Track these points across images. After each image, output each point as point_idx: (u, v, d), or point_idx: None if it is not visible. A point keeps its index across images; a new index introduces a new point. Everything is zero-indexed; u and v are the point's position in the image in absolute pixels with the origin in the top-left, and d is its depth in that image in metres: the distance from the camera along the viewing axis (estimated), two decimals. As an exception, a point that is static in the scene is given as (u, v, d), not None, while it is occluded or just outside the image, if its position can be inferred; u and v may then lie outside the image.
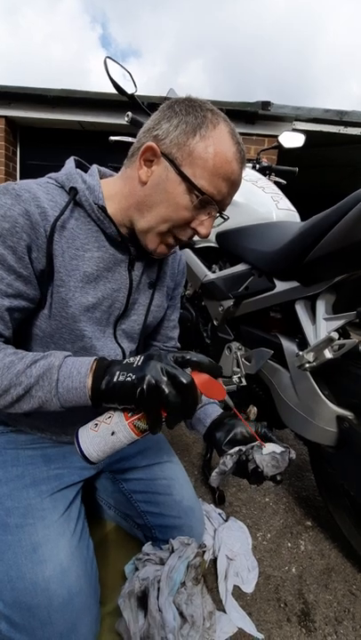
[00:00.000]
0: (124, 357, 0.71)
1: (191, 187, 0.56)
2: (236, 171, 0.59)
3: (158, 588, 0.70)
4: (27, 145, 3.75)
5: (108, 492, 0.86)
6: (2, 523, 0.61)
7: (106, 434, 0.51)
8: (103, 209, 0.61)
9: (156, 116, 0.60)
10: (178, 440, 1.41)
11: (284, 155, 2.98)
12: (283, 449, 0.60)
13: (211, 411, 0.73)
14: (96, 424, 0.53)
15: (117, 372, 0.50)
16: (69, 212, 0.60)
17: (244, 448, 0.60)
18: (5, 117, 3.47)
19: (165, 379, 0.48)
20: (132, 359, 0.52)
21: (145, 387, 0.47)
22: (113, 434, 0.51)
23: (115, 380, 0.49)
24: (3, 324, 0.56)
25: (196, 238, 1.41)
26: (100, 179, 0.66)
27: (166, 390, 0.47)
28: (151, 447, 0.84)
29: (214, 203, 0.59)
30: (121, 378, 0.49)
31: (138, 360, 0.51)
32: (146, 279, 0.72)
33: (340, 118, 3.17)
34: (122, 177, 0.64)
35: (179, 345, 0.93)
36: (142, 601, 0.69)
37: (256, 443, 0.61)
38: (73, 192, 0.60)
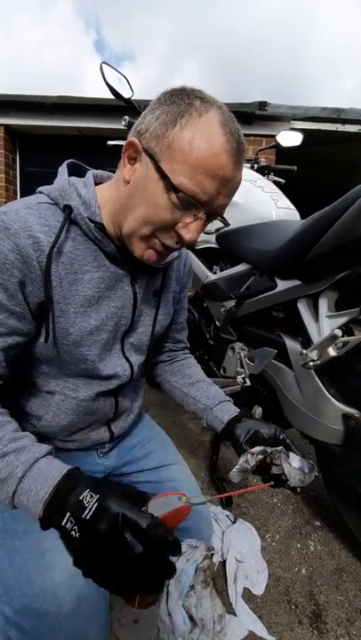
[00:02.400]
0: (132, 371, 0.69)
1: (169, 184, 0.49)
2: (227, 165, 0.49)
3: (167, 592, 0.69)
4: (26, 152, 3.77)
5: None
6: (10, 529, 0.60)
7: (135, 628, 0.61)
8: (100, 226, 0.57)
9: (145, 111, 0.56)
10: (184, 443, 1.41)
11: (283, 154, 2.98)
12: (310, 465, 0.60)
13: (228, 408, 0.73)
14: (121, 624, 0.63)
15: (67, 516, 0.43)
16: (65, 234, 0.56)
17: (269, 450, 0.60)
18: (4, 126, 3.49)
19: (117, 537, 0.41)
20: (87, 499, 0.44)
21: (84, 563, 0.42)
22: (136, 622, 0.60)
23: (62, 523, 0.44)
24: None
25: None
26: (98, 184, 0.63)
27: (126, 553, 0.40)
28: (157, 450, 0.84)
29: (197, 203, 0.51)
30: (68, 525, 0.43)
31: (89, 508, 0.42)
32: (150, 288, 0.70)
33: (338, 116, 3.17)
34: (114, 180, 0.61)
35: (188, 345, 0.91)
36: (152, 606, 0.69)
37: (280, 447, 0.60)
38: (67, 211, 0.56)
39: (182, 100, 0.50)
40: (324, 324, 0.80)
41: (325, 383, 0.83)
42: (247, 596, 0.81)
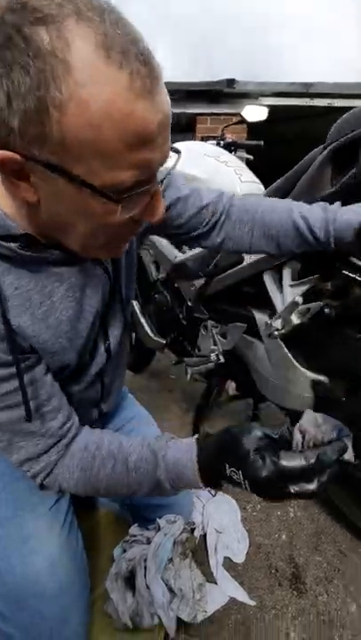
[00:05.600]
0: (110, 353, 0.62)
1: (102, 192, 0.35)
2: (149, 113, 0.33)
3: (145, 567, 0.70)
4: None
5: None
6: None
7: None
8: (26, 238, 0.42)
9: None
10: (167, 425, 1.41)
11: (253, 131, 2.95)
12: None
13: None
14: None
15: (227, 468, 0.43)
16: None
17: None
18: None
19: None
20: (235, 475, 0.42)
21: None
22: None
23: (228, 475, 0.43)
24: (57, 413, 0.51)
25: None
26: None
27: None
28: (135, 429, 0.84)
29: (145, 183, 0.37)
30: (235, 477, 0.42)
31: (243, 482, 0.42)
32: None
33: (307, 90, 3.14)
34: (8, 193, 0.41)
35: (223, 194, 0.73)
36: (130, 581, 0.70)
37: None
38: None
39: (22, 55, 0.29)
40: (287, 293, 0.80)
41: (293, 352, 0.84)
42: (228, 564, 0.83)
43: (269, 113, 1.63)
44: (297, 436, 0.39)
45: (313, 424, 0.40)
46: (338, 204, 0.63)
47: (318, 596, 0.78)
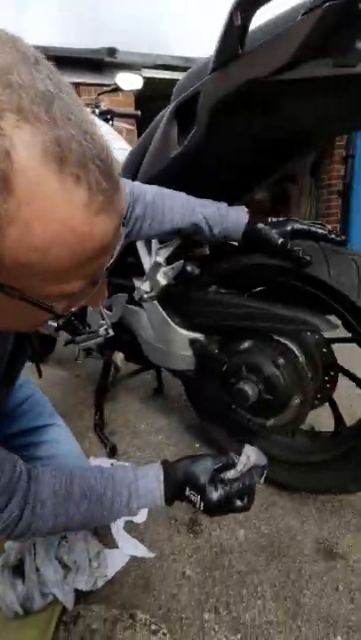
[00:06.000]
0: (11, 384, 0.63)
1: (40, 305, 0.31)
2: (107, 227, 0.29)
3: (34, 553, 0.67)
4: None
5: None
6: None
7: None
8: None
9: None
10: (72, 410, 1.37)
11: (145, 107, 2.90)
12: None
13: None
14: None
15: (187, 491, 0.54)
16: None
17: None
18: None
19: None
20: (193, 497, 0.54)
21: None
22: None
23: (185, 495, 0.55)
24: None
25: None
26: None
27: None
28: (31, 411, 0.81)
29: (93, 286, 0.35)
30: (192, 498, 0.54)
31: (199, 503, 0.53)
32: None
33: (187, 65, 3.17)
34: None
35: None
36: (20, 569, 0.67)
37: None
38: None
39: None
40: (154, 257, 0.81)
41: (170, 314, 0.87)
42: (130, 527, 0.85)
43: (154, 86, 1.61)
44: (243, 459, 0.55)
45: (254, 452, 0.56)
46: (225, 204, 0.73)
47: (212, 532, 0.85)
